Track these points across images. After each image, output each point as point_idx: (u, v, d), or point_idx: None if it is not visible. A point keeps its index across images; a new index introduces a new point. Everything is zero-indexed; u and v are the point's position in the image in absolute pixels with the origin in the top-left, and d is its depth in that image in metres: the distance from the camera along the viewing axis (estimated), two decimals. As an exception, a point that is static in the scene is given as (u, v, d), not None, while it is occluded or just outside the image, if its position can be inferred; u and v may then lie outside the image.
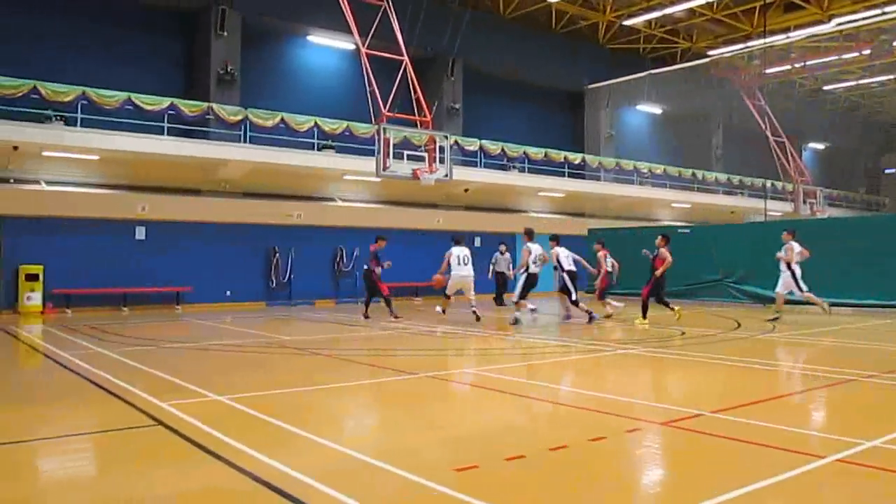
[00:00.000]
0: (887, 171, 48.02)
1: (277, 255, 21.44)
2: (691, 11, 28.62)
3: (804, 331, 13.47)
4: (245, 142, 20.65)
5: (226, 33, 21.56)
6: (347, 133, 21.91)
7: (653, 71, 30.33)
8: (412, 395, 7.52)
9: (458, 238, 15.76)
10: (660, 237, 15.17)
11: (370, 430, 6.15)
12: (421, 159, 17.69)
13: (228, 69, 21.46)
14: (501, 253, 20.59)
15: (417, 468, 4.57)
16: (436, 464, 4.82)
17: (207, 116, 20.05)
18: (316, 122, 21.44)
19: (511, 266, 20.23)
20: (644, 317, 14.68)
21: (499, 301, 20.51)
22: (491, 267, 20.33)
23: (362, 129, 21.64)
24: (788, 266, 15.61)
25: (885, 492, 4.24)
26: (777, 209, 33.69)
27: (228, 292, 20.74)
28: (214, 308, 19.81)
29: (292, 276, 21.67)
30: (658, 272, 14.76)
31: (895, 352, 10.55)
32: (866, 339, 12.47)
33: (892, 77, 36.17)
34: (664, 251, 14.85)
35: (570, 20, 29.83)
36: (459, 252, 15.18)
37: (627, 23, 29.38)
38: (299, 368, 9.38)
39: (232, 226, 20.73)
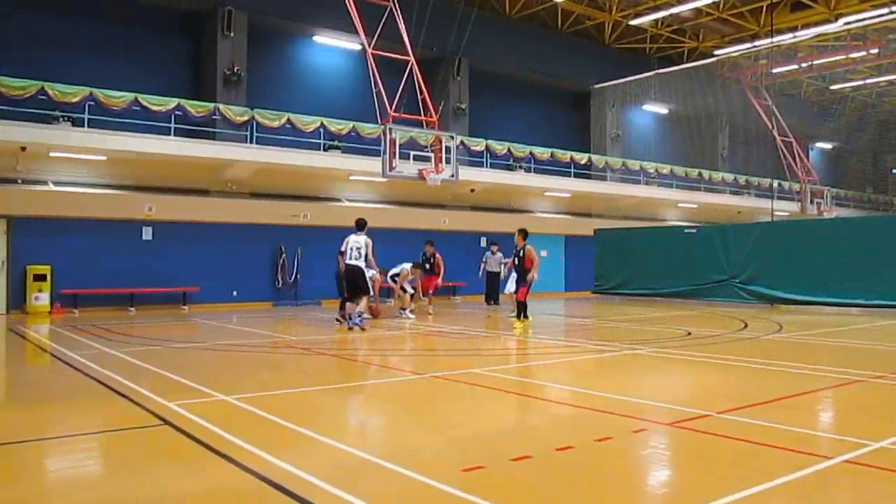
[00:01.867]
0: (895, 171, 47.74)
1: (284, 255, 21.47)
2: (698, 11, 28.54)
3: (811, 331, 13.42)
4: (251, 142, 20.69)
5: (232, 34, 21.58)
6: (353, 133, 21.93)
7: (659, 70, 30.26)
8: (418, 395, 7.53)
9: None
10: (518, 233, 15.00)
11: (376, 430, 6.15)
12: (427, 159, 17.73)
13: (235, 70, 21.49)
14: (493, 252, 20.61)
15: (424, 468, 4.57)
16: (442, 464, 4.82)
17: (214, 117, 20.09)
18: (322, 123, 21.47)
19: (502, 265, 20.38)
20: (521, 317, 14.69)
21: (489, 300, 20.87)
22: (482, 266, 20.55)
23: (368, 129, 21.66)
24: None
25: (893, 493, 4.22)
26: (784, 209, 33.57)
27: (235, 292, 20.78)
28: (221, 308, 19.85)
29: (299, 277, 21.70)
30: (530, 275, 14.78)
31: (903, 352, 10.51)
32: (874, 339, 12.42)
33: (899, 76, 36.00)
34: (531, 249, 14.80)
35: (576, 20, 29.78)
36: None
37: (634, 22, 29.32)
38: (306, 368, 9.40)
39: (238, 226, 20.76)
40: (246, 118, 20.38)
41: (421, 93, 18.15)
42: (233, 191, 21.19)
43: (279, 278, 21.42)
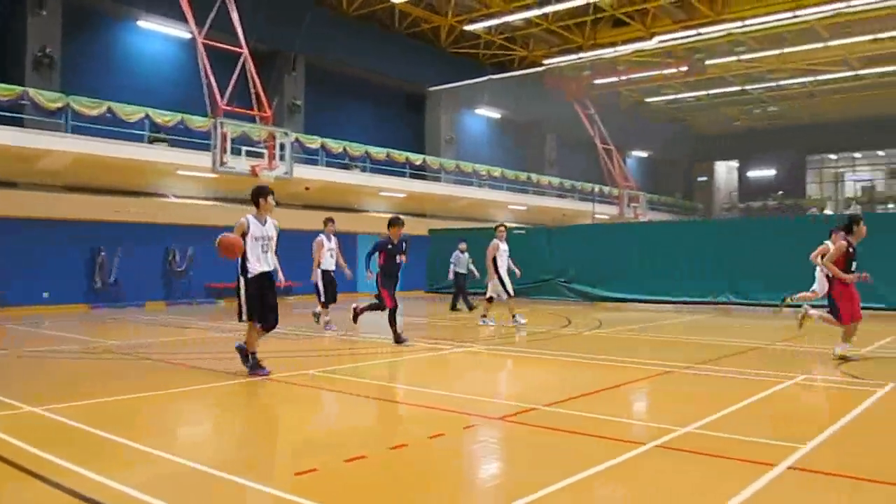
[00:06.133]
0: (699, 179, 52.44)
1: (103, 253, 20.05)
2: (528, 21, 29.80)
3: (628, 326, 14.40)
4: (67, 131, 19.15)
5: (44, 13, 19.91)
6: (182, 126, 20.83)
7: (492, 76, 31.30)
8: (252, 399, 7.30)
9: None
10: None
11: (205, 438, 5.90)
12: (260, 155, 17.27)
13: (47, 52, 19.83)
14: (461, 252, 19.54)
15: (255, 475, 4.45)
16: (275, 469, 4.72)
17: (22, 102, 18.40)
18: (147, 114, 20.24)
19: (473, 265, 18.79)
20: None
21: (460, 305, 18.91)
22: (451, 267, 19.14)
23: (198, 122, 20.67)
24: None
25: (698, 470, 4.62)
26: (604, 212, 35.82)
27: (46, 294, 19.15)
28: (29, 311, 18.22)
29: (119, 277, 20.36)
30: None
31: (709, 344, 11.52)
32: (682, 333, 13.53)
33: (704, 93, 39.55)
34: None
35: (413, 22, 30.14)
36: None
37: (469, 28, 30.13)
38: (125, 374, 8.83)
39: (52, 222, 19.14)
40: (60, 105, 18.83)
41: (254, 87, 17.66)
42: (46, 183, 19.51)
43: (97, 279, 19.98)
